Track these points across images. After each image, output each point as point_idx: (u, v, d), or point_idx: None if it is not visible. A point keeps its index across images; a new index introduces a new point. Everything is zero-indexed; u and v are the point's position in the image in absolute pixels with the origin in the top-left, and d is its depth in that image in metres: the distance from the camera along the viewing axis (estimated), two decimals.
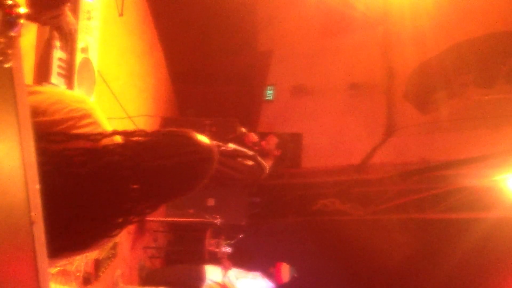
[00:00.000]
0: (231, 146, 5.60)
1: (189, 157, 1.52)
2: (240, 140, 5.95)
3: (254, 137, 5.96)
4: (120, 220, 1.48)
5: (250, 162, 5.68)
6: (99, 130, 1.49)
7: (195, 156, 1.54)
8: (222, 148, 5.53)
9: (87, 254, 4.08)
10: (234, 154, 5.63)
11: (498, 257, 6.82)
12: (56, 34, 3.04)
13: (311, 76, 8.61)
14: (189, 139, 1.56)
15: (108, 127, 1.55)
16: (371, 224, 7.82)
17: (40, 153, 1.18)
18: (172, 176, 1.49)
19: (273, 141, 5.76)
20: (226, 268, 6.26)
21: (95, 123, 1.51)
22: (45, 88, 1.98)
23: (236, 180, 5.96)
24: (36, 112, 1.41)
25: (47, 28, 3.02)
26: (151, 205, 1.53)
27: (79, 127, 1.46)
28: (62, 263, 3.53)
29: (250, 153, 5.72)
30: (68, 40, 3.15)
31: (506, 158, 5.98)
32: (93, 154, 1.39)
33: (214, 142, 5.11)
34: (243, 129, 6.03)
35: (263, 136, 5.94)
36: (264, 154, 5.76)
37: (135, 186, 1.42)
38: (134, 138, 1.49)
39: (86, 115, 1.52)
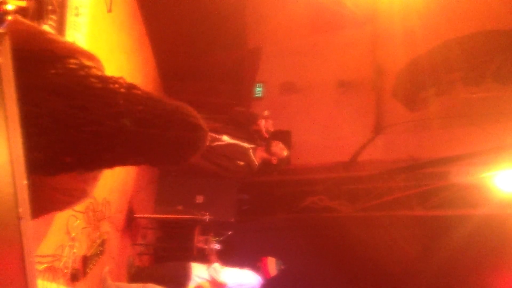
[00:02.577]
0: (225, 139, 5.61)
1: (182, 132, 1.52)
2: (254, 119, 5.95)
3: (271, 125, 5.97)
4: (107, 156, 1.47)
5: (241, 162, 5.69)
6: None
7: (188, 133, 1.54)
8: (216, 143, 5.54)
9: (76, 248, 4.07)
10: (226, 150, 5.64)
11: (486, 254, 6.88)
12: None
13: (301, 73, 8.63)
14: (187, 115, 1.58)
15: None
16: (360, 221, 7.86)
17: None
18: (162, 143, 1.49)
19: (278, 147, 5.78)
20: (210, 262, 6.28)
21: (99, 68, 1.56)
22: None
23: (223, 177, 5.99)
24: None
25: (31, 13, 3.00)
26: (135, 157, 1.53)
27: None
28: (49, 259, 3.53)
29: (245, 146, 5.73)
30: (54, 10, 3.11)
31: (493, 155, 6.02)
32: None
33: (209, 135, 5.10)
34: (266, 112, 6.03)
35: (275, 137, 5.97)
36: (265, 150, 5.79)
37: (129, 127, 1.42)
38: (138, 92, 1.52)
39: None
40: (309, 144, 7.99)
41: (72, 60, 1.46)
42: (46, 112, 1.31)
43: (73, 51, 1.54)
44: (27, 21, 1.54)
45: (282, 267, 6.72)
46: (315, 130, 8.19)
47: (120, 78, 1.54)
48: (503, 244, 6.63)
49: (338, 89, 8.35)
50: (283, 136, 7.44)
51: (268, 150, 5.76)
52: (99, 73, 1.51)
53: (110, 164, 1.52)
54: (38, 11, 2.90)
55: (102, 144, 1.42)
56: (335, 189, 8.11)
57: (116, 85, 1.49)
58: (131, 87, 1.53)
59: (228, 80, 8.33)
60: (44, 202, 1.53)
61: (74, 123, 1.35)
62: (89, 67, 1.49)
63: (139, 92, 1.54)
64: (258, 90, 8.82)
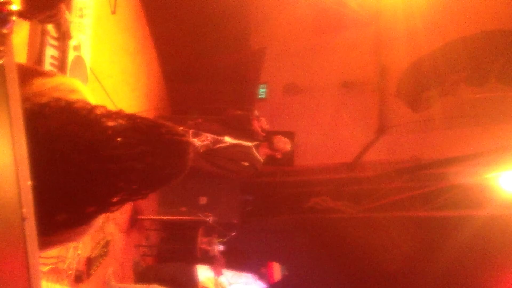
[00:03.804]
0: (227, 140, 5.61)
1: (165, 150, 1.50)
2: (248, 120, 5.96)
3: (264, 123, 5.99)
4: (114, 199, 1.45)
5: (245, 163, 5.69)
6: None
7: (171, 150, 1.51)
8: (219, 145, 5.54)
9: (80, 250, 4.08)
10: (229, 152, 5.64)
11: (490, 255, 6.86)
12: (50, 31, 3.03)
13: (304, 74, 8.62)
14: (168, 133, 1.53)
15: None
16: (363, 222, 7.85)
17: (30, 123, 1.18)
18: (149, 167, 1.47)
19: (281, 141, 5.79)
20: (218, 273, 6.27)
21: (83, 100, 1.49)
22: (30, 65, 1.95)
23: (228, 178, 6.00)
24: (22, 82, 1.40)
25: (39, 26, 3.01)
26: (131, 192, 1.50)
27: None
28: (54, 261, 3.53)
29: (248, 145, 5.73)
30: (65, 38, 3.14)
31: (497, 156, 6.00)
32: (86, 125, 1.38)
33: (210, 137, 5.08)
34: (256, 112, 6.04)
35: (276, 133, 5.97)
36: (268, 146, 5.79)
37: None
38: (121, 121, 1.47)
39: (75, 91, 1.51)
40: (312, 145, 7.98)
41: (78, 104, 1.43)
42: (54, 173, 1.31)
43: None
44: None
45: (287, 273, 6.72)
46: (318, 130, 8.18)
47: (118, 111, 1.50)
48: (507, 245, 6.61)
49: (341, 89, 8.35)
50: (286, 137, 7.44)
51: (271, 146, 5.76)
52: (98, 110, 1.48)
53: (106, 210, 1.49)
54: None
55: (99, 193, 1.40)
56: (339, 190, 8.10)
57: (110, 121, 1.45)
58: (114, 115, 1.49)
59: (232, 81, 8.34)
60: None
61: (72, 173, 1.33)
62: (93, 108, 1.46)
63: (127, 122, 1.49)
64: (262, 91, 8.82)
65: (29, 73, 1.51)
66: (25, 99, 1.27)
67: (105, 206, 1.46)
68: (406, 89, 7.73)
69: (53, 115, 1.35)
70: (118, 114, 1.45)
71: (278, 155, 5.80)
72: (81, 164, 1.33)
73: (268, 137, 5.92)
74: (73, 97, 1.46)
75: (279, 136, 5.84)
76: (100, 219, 1.60)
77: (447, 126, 7.29)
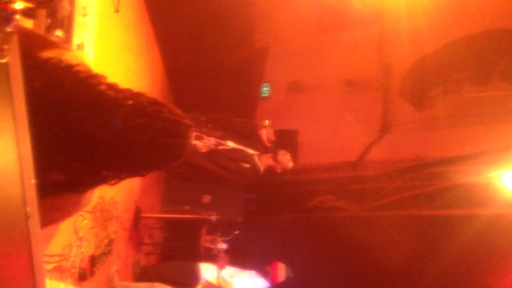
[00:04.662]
0: (230, 144, 5.61)
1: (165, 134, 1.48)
2: (255, 129, 5.98)
3: (272, 135, 6.00)
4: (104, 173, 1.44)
5: (246, 165, 5.71)
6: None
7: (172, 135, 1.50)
8: (221, 147, 5.54)
9: (83, 248, 4.09)
10: (231, 153, 5.64)
11: (493, 254, 6.85)
12: (54, 30, 3.03)
13: (307, 73, 8.62)
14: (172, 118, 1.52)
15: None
16: (367, 221, 7.84)
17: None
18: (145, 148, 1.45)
19: (286, 157, 5.81)
20: (220, 267, 6.27)
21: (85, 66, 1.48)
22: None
23: (229, 181, 6.01)
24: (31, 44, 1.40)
25: (42, 25, 3.01)
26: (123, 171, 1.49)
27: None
28: (57, 259, 3.54)
29: (250, 152, 5.75)
30: (63, 26, 3.13)
31: (501, 155, 6.00)
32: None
33: (213, 140, 5.08)
34: (267, 122, 6.06)
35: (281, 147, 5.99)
36: (272, 157, 5.81)
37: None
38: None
39: (79, 59, 1.52)
40: (316, 144, 7.99)
41: (80, 67, 1.43)
42: (57, 132, 1.30)
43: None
44: (27, 27, 1.51)
45: (291, 274, 6.73)
46: (322, 129, 8.18)
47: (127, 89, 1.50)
48: (510, 244, 6.60)
49: (345, 88, 8.34)
50: (290, 136, 7.45)
51: (275, 158, 5.78)
52: (106, 80, 1.47)
53: (102, 181, 1.47)
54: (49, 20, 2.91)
55: (96, 159, 1.39)
56: (342, 188, 8.10)
57: (121, 94, 1.45)
58: (114, 84, 1.48)
59: (235, 80, 8.33)
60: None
61: (70, 136, 1.32)
62: (97, 75, 1.45)
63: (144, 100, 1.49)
64: (265, 90, 8.82)
65: (41, 42, 1.51)
66: (29, 56, 1.27)
67: (100, 176, 1.45)
68: (410, 88, 7.73)
69: (56, 70, 1.36)
70: (121, 88, 1.47)
71: (279, 169, 5.83)
72: (78, 122, 1.32)
73: (273, 149, 5.94)
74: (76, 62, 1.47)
75: (285, 152, 5.85)
76: (93, 195, 1.58)
77: (450, 125, 7.29)
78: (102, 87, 1.41)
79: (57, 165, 1.34)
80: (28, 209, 1.08)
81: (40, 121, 1.24)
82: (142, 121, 1.41)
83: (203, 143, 5.28)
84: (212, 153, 5.45)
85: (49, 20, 2.98)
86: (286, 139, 6.64)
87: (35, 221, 1.11)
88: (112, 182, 1.48)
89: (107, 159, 1.41)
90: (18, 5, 1.14)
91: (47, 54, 1.40)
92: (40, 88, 1.29)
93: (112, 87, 1.44)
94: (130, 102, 1.43)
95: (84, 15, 3.43)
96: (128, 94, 1.47)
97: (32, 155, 1.13)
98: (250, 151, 5.73)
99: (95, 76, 1.43)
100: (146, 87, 6.65)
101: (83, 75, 1.40)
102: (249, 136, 5.93)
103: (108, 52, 4.92)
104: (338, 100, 8.38)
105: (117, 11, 4.90)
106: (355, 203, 8.00)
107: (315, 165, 8.22)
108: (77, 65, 1.41)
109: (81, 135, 1.33)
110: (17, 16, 1.14)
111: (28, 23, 2.97)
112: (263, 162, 5.78)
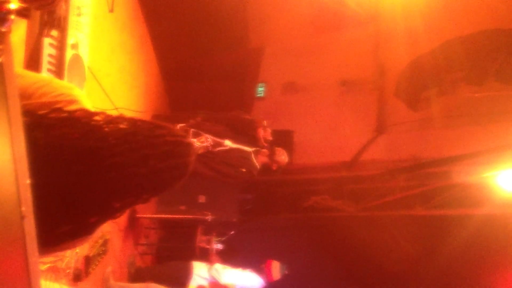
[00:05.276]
0: (228, 143, 5.61)
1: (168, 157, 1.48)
2: (253, 127, 6.01)
3: (269, 134, 6.03)
4: (117, 205, 1.44)
5: (243, 169, 5.73)
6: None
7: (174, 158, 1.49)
8: (218, 148, 5.54)
9: (78, 249, 4.08)
10: (228, 156, 5.65)
11: (488, 253, 6.87)
12: (47, 23, 3.02)
13: (303, 73, 8.62)
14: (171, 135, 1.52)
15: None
16: (363, 221, 7.85)
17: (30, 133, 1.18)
18: (150, 174, 1.45)
19: (283, 155, 5.84)
20: (212, 262, 6.28)
21: (83, 109, 1.48)
22: (33, 73, 1.94)
23: (224, 182, 6.04)
24: (22, 95, 1.39)
25: (37, 24, 3.01)
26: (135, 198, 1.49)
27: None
28: (52, 260, 3.53)
29: (248, 149, 5.76)
30: (61, 26, 3.12)
31: (496, 155, 6.01)
32: (87, 132, 1.37)
33: (211, 139, 5.09)
34: (265, 122, 6.09)
35: (277, 145, 6.01)
36: (268, 155, 5.84)
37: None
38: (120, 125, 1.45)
39: (74, 101, 1.51)
40: (311, 144, 7.99)
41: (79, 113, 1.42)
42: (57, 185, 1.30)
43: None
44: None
45: (286, 272, 6.73)
46: (317, 129, 8.18)
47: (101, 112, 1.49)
48: (505, 244, 6.62)
49: (340, 88, 8.35)
50: (285, 136, 7.45)
51: (271, 156, 5.82)
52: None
53: (109, 218, 1.48)
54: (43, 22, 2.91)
55: (101, 202, 1.40)
56: (338, 188, 8.11)
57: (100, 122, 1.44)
58: (114, 121, 1.47)
59: (230, 80, 8.33)
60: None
61: (74, 187, 1.32)
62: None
63: (125, 126, 1.48)
64: (260, 90, 8.81)
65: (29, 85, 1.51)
66: (25, 112, 1.27)
67: (108, 214, 1.46)
68: (405, 88, 7.74)
69: (53, 125, 1.35)
70: (118, 119, 1.44)
71: (274, 167, 5.87)
72: (82, 174, 1.32)
73: (269, 147, 5.96)
74: (73, 107, 1.46)
75: (281, 149, 5.89)
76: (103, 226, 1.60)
77: (446, 125, 7.30)
78: (103, 128, 1.41)
79: (64, 218, 1.35)
80: (23, 209, 1.08)
81: (43, 176, 1.24)
82: (144, 152, 1.41)
83: (200, 141, 5.27)
84: (208, 155, 5.44)
85: (44, 20, 2.98)
86: (281, 140, 6.64)
87: (30, 221, 1.10)
88: (118, 215, 1.50)
89: (113, 199, 1.42)
90: (13, 5, 1.13)
91: (43, 105, 1.41)
92: (43, 146, 1.29)
93: (110, 122, 1.44)
94: (130, 136, 1.43)
95: (79, 15, 3.43)
96: (127, 124, 1.46)
97: (27, 159, 1.12)
98: (247, 148, 5.75)
99: (93, 116, 1.43)
100: (141, 87, 6.64)
101: (83, 121, 1.40)
102: (247, 133, 5.95)
103: (102, 51, 4.92)
104: (333, 100, 8.38)
105: (111, 11, 4.90)
106: (351, 203, 8.01)
107: (311, 165, 8.22)
108: (76, 111, 1.41)
109: (86, 183, 1.34)
110: (12, 16, 1.13)
111: (22, 24, 2.96)
112: (259, 159, 5.81)
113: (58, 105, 1.43)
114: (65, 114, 1.38)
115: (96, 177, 1.34)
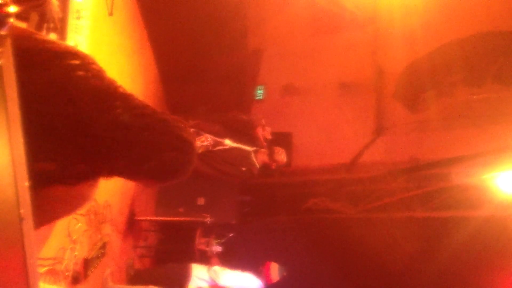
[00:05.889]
0: (228, 142, 5.63)
1: (170, 152, 1.48)
2: (252, 126, 6.03)
3: (268, 133, 6.05)
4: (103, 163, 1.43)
5: (243, 168, 5.74)
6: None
7: (176, 153, 1.50)
8: (218, 148, 5.55)
9: (77, 251, 4.08)
10: (228, 155, 5.66)
11: (487, 255, 6.87)
12: (47, 28, 3.03)
13: (302, 75, 8.63)
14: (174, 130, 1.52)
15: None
16: (361, 223, 7.85)
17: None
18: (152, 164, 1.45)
19: (282, 154, 5.86)
20: (211, 264, 6.28)
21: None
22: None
23: (224, 181, 6.05)
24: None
25: (35, 28, 3.01)
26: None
27: None
28: (51, 262, 3.53)
29: (247, 149, 5.78)
30: (55, 28, 3.12)
31: (494, 156, 6.02)
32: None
33: (211, 139, 5.09)
34: (263, 121, 6.11)
35: (276, 144, 6.04)
36: (267, 154, 5.87)
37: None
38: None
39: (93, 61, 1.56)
40: (310, 146, 8.00)
41: (72, 60, 1.43)
42: (51, 119, 1.30)
43: (69, 51, 1.51)
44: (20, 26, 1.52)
45: (285, 273, 6.72)
46: (316, 132, 8.19)
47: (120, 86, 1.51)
48: (504, 245, 6.62)
49: (339, 90, 8.35)
50: (284, 138, 7.46)
51: (270, 156, 5.85)
52: (98, 69, 1.49)
53: (97, 174, 1.47)
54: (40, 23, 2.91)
55: (114, 148, 1.39)
56: (337, 190, 8.11)
57: (116, 88, 1.47)
58: (129, 94, 1.50)
59: (229, 82, 8.34)
60: (43, 213, 1.47)
61: (81, 128, 1.33)
62: (89, 64, 1.47)
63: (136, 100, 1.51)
64: (259, 93, 8.82)
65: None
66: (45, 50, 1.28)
67: (95, 168, 1.44)
68: (404, 90, 7.75)
69: (73, 62, 1.39)
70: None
71: (273, 166, 5.91)
72: (78, 110, 1.33)
73: (268, 146, 5.99)
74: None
75: (280, 148, 5.92)
76: (95, 191, 1.58)
77: (444, 127, 7.31)
78: (112, 83, 1.43)
79: (49, 153, 1.34)
80: (21, 211, 1.08)
81: (35, 107, 1.24)
82: (146, 121, 1.42)
83: (200, 141, 5.28)
84: (208, 154, 5.46)
85: (44, 24, 2.98)
86: (280, 142, 6.65)
87: (28, 223, 1.11)
88: (107, 176, 1.48)
89: (104, 150, 1.40)
90: (12, 8, 1.14)
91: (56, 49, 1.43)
92: (39, 77, 1.30)
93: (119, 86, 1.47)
94: (137, 101, 1.45)
95: (78, 18, 3.43)
96: (135, 99, 1.49)
97: (25, 156, 1.13)
98: (247, 148, 5.77)
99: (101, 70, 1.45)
100: (140, 90, 6.65)
101: (93, 68, 1.42)
102: (246, 133, 5.97)
103: (102, 54, 4.92)
104: (332, 102, 8.38)
105: (110, 14, 4.90)
106: (349, 205, 8.01)
107: (310, 167, 8.23)
108: (92, 63, 1.44)
109: (77, 123, 1.33)
110: (11, 19, 1.14)
111: (21, 26, 2.97)
112: (259, 158, 5.83)
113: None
114: (78, 62, 1.42)
115: (91, 119, 1.35)
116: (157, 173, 1.50)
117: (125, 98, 1.45)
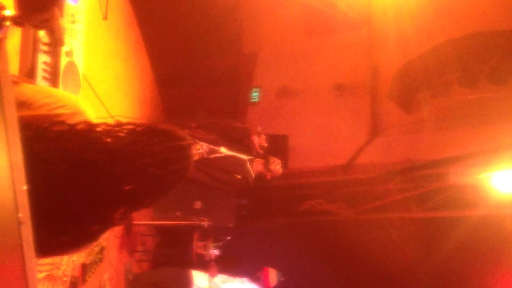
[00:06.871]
0: (223, 150, 5.61)
1: (169, 155, 1.49)
2: (247, 135, 6.02)
3: (264, 141, 6.04)
4: (114, 216, 1.46)
5: (238, 176, 5.72)
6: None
7: (174, 155, 1.50)
8: (214, 155, 5.54)
9: (75, 256, 4.07)
10: (223, 163, 5.64)
11: (484, 254, 6.89)
12: (45, 37, 3.03)
13: (297, 77, 8.63)
14: (171, 136, 1.53)
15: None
16: (358, 224, 7.86)
17: (30, 146, 1.18)
18: (151, 176, 1.46)
19: (277, 165, 5.84)
20: (212, 274, 6.26)
21: (85, 121, 1.49)
22: (38, 85, 1.95)
23: (220, 189, 6.04)
24: (25, 104, 1.41)
25: (31, 32, 3.01)
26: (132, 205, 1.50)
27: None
28: (49, 268, 3.52)
29: (243, 157, 5.76)
30: (58, 44, 3.14)
31: (490, 156, 6.03)
32: (86, 143, 1.39)
33: (206, 146, 5.09)
34: (259, 129, 6.10)
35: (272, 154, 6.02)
36: (263, 164, 5.84)
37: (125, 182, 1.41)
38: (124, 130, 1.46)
39: (77, 113, 1.52)
40: (306, 148, 7.99)
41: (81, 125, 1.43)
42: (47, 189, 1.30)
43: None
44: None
45: (282, 278, 6.72)
46: (312, 133, 8.19)
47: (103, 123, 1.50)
48: (501, 244, 6.64)
49: (334, 92, 8.35)
50: (280, 140, 7.45)
51: (266, 165, 5.81)
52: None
53: (110, 227, 1.52)
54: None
55: (102, 211, 1.42)
56: (333, 192, 8.11)
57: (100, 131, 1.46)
58: (114, 130, 1.48)
59: (225, 85, 8.35)
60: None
61: (71, 196, 1.34)
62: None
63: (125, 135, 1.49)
64: (255, 95, 8.81)
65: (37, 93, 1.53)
66: (27, 125, 1.28)
67: (109, 222, 1.48)
68: (398, 91, 7.75)
69: (54, 139, 1.36)
70: (118, 129, 1.45)
71: (269, 176, 5.86)
72: (83, 185, 1.34)
73: (264, 155, 5.97)
74: (75, 119, 1.47)
75: (276, 159, 5.89)
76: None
77: (439, 127, 7.32)
78: (103, 139, 1.42)
79: (65, 228, 1.38)
80: (20, 215, 1.08)
81: (45, 188, 1.25)
82: (144, 161, 1.43)
83: (195, 149, 5.27)
84: (204, 162, 5.45)
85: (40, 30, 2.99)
86: (276, 144, 6.65)
87: (27, 228, 1.10)
88: (120, 223, 1.51)
89: (114, 207, 1.45)
90: (8, 12, 1.13)
91: (45, 117, 1.43)
92: (43, 157, 1.30)
93: (110, 132, 1.45)
94: (129, 145, 1.44)
95: (73, 22, 3.43)
96: (126, 133, 1.47)
97: (23, 162, 1.12)
98: (243, 156, 5.75)
99: (94, 128, 1.44)
100: (136, 93, 6.64)
101: (83, 133, 1.41)
102: (241, 141, 5.95)
103: (97, 58, 4.92)
104: (327, 104, 8.39)
105: (105, 18, 4.90)
106: (346, 207, 8.02)
107: (306, 169, 8.23)
108: (77, 123, 1.43)
109: (86, 194, 1.36)
110: (7, 23, 1.14)
111: (16, 31, 2.96)
112: (254, 168, 5.80)
113: (60, 118, 1.45)
114: (66, 127, 1.39)
115: (96, 188, 1.36)
116: (158, 193, 1.53)
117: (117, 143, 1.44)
